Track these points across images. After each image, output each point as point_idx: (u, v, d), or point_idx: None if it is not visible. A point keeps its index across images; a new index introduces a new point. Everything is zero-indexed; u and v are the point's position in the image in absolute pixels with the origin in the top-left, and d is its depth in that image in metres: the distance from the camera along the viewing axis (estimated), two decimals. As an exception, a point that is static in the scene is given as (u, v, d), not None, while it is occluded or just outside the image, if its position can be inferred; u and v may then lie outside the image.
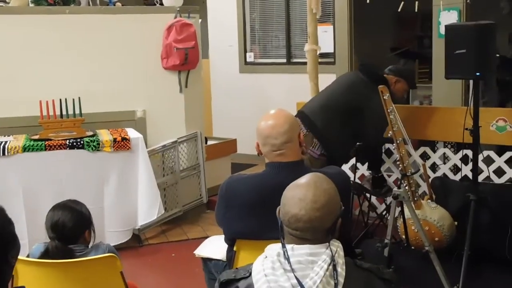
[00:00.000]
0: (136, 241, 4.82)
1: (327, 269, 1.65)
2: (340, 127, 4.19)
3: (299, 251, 1.68)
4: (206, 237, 3.36)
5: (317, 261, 1.67)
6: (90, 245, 2.69)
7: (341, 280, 1.66)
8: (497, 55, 7.26)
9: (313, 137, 4.14)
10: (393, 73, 4.38)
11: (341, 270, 1.67)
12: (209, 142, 6.07)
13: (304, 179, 1.78)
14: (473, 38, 3.60)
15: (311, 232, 1.69)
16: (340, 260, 1.69)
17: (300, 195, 1.72)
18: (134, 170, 4.58)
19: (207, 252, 2.99)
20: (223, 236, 2.50)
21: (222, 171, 5.78)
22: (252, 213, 2.27)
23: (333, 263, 1.66)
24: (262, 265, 1.70)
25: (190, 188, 5.39)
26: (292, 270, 1.64)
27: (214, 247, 2.97)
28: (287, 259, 1.67)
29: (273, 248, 1.72)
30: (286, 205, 1.73)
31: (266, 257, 1.72)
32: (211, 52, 7.83)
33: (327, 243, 1.70)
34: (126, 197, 4.59)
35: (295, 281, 1.64)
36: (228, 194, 2.38)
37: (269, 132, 2.33)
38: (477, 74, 3.61)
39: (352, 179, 4.79)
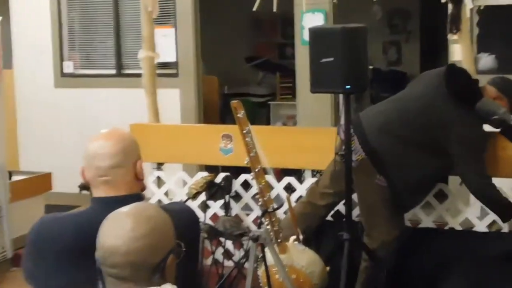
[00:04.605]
0: None
1: None
2: (417, 162, 4.07)
3: None
4: (12, 302, 3.24)
5: None
6: None
7: None
8: (371, 67, 7.80)
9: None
10: (497, 86, 4.21)
11: None
12: (14, 178, 5.92)
13: (125, 208, 1.82)
14: (341, 44, 3.79)
15: (131, 269, 1.72)
16: None
17: (117, 223, 1.77)
18: None
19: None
20: (34, 296, 2.43)
21: (33, 215, 5.50)
22: (74, 261, 2.22)
23: None
24: None
25: (-11, 240, 5.18)
26: None
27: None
28: None
29: None
30: (101, 237, 1.77)
31: None
32: (16, 60, 7.61)
33: (156, 287, 1.72)
34: None
35: None
36: (40, 240, 2.31)
37: (95, 151, 2.30)
38: (347, 87, 3.81)
39: (202, 219, 4.85)
